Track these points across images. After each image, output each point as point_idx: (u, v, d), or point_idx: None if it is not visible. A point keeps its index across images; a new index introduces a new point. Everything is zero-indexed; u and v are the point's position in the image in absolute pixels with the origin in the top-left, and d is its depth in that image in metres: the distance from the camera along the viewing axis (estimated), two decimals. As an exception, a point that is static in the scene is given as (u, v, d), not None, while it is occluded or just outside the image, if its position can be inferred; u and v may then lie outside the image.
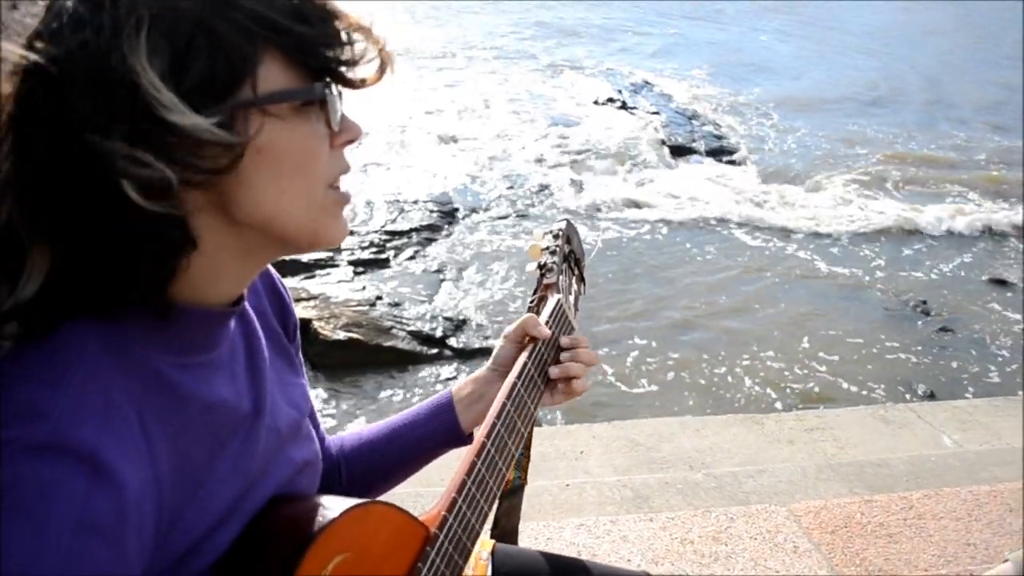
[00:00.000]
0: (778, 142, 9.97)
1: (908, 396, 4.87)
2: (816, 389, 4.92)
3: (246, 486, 0.77)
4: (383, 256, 6.23)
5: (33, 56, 0.58)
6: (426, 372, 4.85)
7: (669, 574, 2.25)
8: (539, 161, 8.62)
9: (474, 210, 7.31)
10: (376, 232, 6.56)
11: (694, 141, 9.48)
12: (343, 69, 0.69)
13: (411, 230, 6.70)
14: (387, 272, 6.04)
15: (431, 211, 7.07)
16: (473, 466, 0.89)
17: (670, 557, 2.34)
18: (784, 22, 19.18)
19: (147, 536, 0.64)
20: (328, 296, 5.34)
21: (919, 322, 5.89)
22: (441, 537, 0.83)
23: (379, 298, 5.44)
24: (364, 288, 5.62)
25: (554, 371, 1.07)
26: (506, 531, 1.33)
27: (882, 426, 3.50)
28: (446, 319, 5.34)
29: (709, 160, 9.07)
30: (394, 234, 6.59)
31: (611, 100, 10.87)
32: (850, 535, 2.47)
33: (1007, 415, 3.64)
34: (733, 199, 7.92)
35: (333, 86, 0.69)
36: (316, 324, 4.91)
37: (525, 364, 1.03)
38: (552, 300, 1.14)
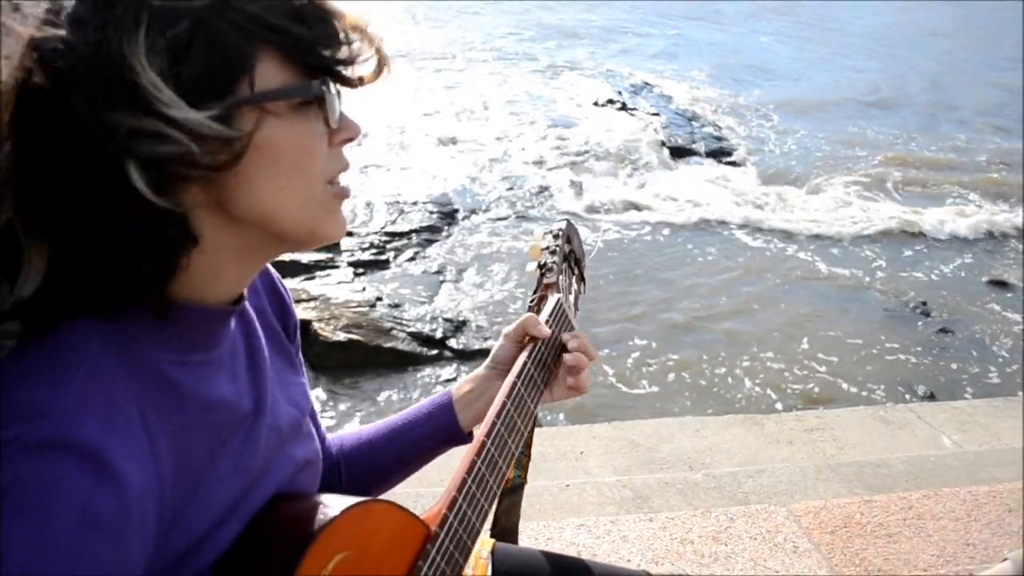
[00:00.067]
0: (778, 143, 9.97)
1: (908, 397, 4.87)
2: (816, 390, 4.92)
3: (247, 485, 0.77)
4: (383, 257, 6.23)
5: (34, 55, 0.58)
6: (426, 373, 4.85)
7: (669, 574, 2.25)
8: (539, 162, 8.62)
9: (474, 211, 7.31)
10: (376, 233, 6.56)
11: (694, 142, 9.48)
12: (340, 68, 0.69)
13: (411, 231, 6.70)
14: (387, 273, 6.04)
15: (431, 212, 7.07)
16: (473, 465, 0.89)
17: (670, 557, 2.34)
18: (784, 23, 19.19)
19: (149, 535, 0.64)
20: (328, 297, 5.34)
21: (919, 323, 5.89)
22: (442, 535, 0.83)
23: (379, 299, 5.44)
24: (364, 289, 5.62)
25: (569, 358, 1.08)
26: (506, 529, 1.33)
27: (882, 427, 3.50)
28: (446, 320, 5.34)
29: (709, 161, 9.07)
30: (394, 235, 6.59)
31: (611, 101, 10.87)
32: (850, 535, 2.47)
33: (1007, 416, 3.64)
34: (733, 200, 7.92)
35: (331, 85, 0.69)
36: (316, 325, 4.91)
37: (525, 363, 1.03)
38: (552, 300, 1.14)
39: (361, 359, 4.85)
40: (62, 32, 0.59)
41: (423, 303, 5.60)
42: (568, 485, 2.70)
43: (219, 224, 0.68)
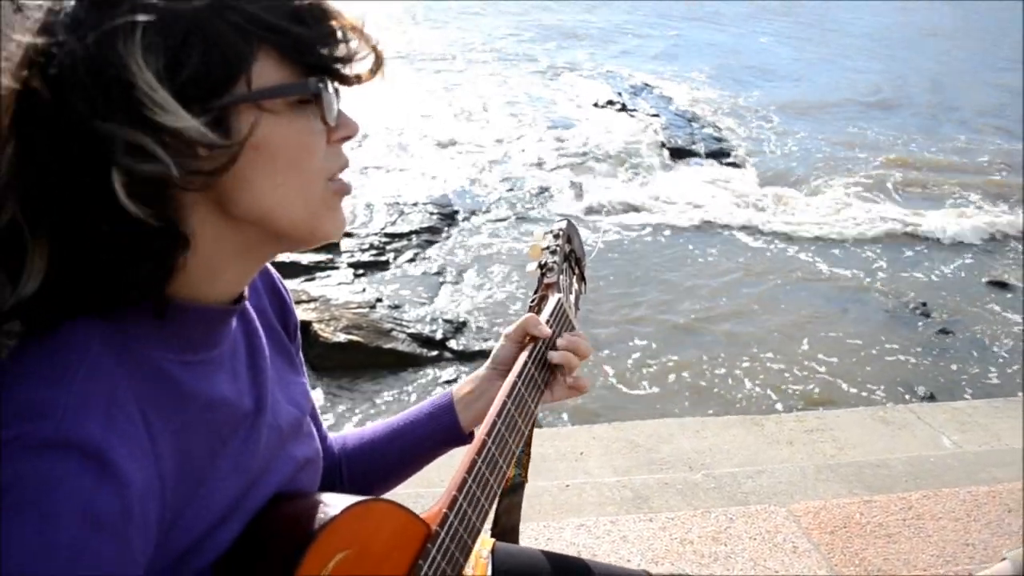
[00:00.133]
0: (778, 144, 9.97)
1: (908, 397, 4.88)
2: (816, 391, 4.92)
3: (247, 484, 0.77)
4: (383, 258, 6.23)
5: (34, 57, 0.58)
6: (426, 374, 4.85)
7: (669, 574, 2.25)
8: (539, 164, 8.63)
9: (474, 212, 7.31)
10: (376, 234, 6.57)
11: (694, 143, 9.49)
12: (338, 66, 0.69)
13: (411, 232, 6.70)
14: (387, 274, 6.05)
15: (431, 213, 7.07)
16: (474, 464, 0.89)
17: (670, 557, 2.34)
18: (784, 24, 19.20)
19: (150, 534, 0.64)
20: (328, 298, 5.35)
21: (919, 324, 5.89)
22: (442, 534, 0.83)
23: (379, 300, 5.44)
24: (364, 290, 5.63)
25: (555, 356, 1.07)
26: (506, 529, 1.33)
27: (881, 427, 3.50)
28: (446, 321, 5.34)
29: (709, 163, 9.08)
30: (394, 236, 6.59)
31: (611, 102, 10.88)
32: (849, 535, 2.47)
33: (1006, 416, 3.64)
34: (734, 202, 7.93)
35: (328, 82, 0.70)
36: (316, 326, 4.92)
37: (525, 363, 1.03)
38: (553, 299, 1.14)
39: (361, 360, 4.85)
40: (61, 34, 0.59)
41: (423, 304, 5.61)
42: (568, 485, 2.70)
43: (219, 223, 0.68)
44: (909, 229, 7.60)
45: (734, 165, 9.06)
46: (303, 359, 0.98)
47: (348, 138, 0.75)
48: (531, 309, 1.17)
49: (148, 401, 0.66)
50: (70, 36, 0.59)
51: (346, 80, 0.71)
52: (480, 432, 0.94)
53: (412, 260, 6.29)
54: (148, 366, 0.68)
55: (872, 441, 3.37)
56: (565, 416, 4.34)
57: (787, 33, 18.08)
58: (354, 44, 0.70)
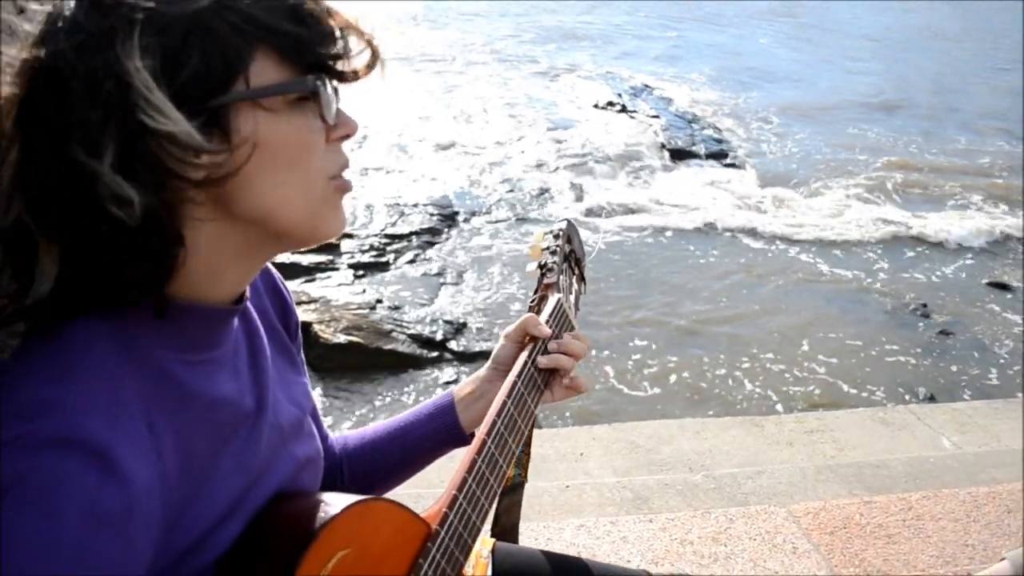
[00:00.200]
0: (779, 146, 9.97)
1: (908, 398, 4.88)
2: (817, 392, 4.92)
3: (249, 483, 0.77)
4: (383, 259, 6.24)
5: (34, 59, 0.59)
6: (426, 375, 4.86)
7: (669, 574, 2.25)
8: (539, 165, 8.63)
9: (474, 214, 7.32)
10: (376, 235, 6.57)
11: (694, 145, 9.49)
12: (335, 63, 0.70)
13: (411, 233, 6.71)
14: (387, 275, 6.05)
15: (431, 215, 7.08)
16: (474, 463, 0.90)
17: (670, 558, 2.34)
18: (784, 25, 19.20)
19: (153, 532, 0.64)
20: (328, 299, 5.35)
21: (919, 325, 5.89)
22: (443, 534, 0.83)
23: (379, 301, 5.45)
24: (364, 291, 5.63)
25: (543, 360, 1.07)
26: (506, 528, 1.34)
27: (881, 428, 3.50)
28: (446, 322, 5.34)
29: (709, 164, 9.08)
30: (394, 237, 6.60)
31: (611, 104, 10.89)
32: (849, 536, 2.47)
33: (1006, 417, 3.64)
34: (734, 203, 7.93)
35: (326, 80, 0.70)
36: (316, 327, 4.92)
37: (525, 363, 1.04)
38: (552, 299, 1.14)
39: (361, 361, 4.86)
40: (60, 35, 0.59)
41: (423, 305, 5.61)
42: (568, 486, 2.70)
43: (219, 223, 0.69)
44: (910, 231, 7.60)
45: (734, 167, 9.06)
46: (304, 359, 0.99)
47: (347, 136, 0.75)
48: (531, 309, 1.17)
49: (150, 400, 0.67)
50: (69, 38, 0.59)
51: (343, 77, 0.71)
52: (480, 432, 0.94)
53: (412, 261, 6.30)
54: (150, 366, 0.68)
55: (872, 442, 3.37)
56: (566, 415, 4.34)
57: (787, 34, 18.09)
58: (352, 40, 0.70)
